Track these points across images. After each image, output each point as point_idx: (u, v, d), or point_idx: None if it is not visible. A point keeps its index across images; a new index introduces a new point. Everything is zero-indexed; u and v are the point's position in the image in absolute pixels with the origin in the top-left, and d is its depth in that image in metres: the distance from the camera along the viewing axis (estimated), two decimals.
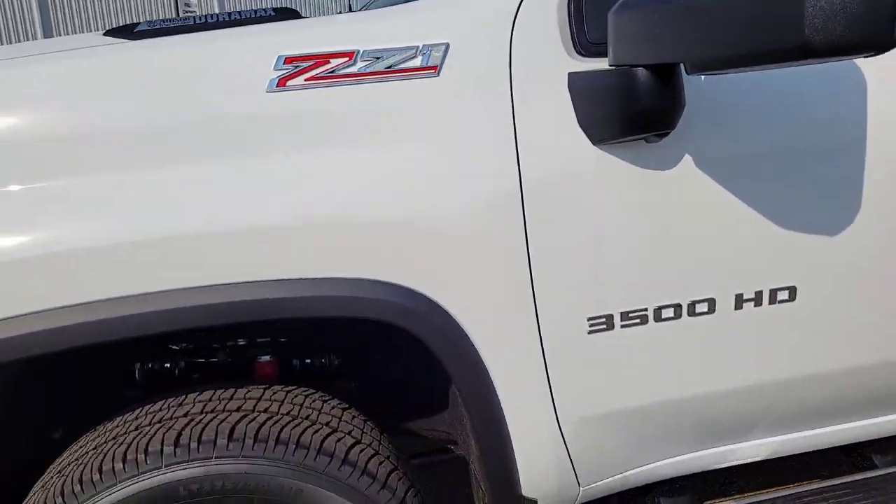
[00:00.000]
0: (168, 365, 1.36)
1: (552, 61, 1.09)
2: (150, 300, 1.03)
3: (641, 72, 1.00)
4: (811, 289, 1.23)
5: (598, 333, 1.17)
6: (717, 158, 1.14)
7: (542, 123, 1.09)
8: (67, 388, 1.35)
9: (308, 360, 1.46)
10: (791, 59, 0.83)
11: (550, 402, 1.20)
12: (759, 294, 1.21)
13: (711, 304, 1.20)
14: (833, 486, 1.48)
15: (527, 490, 1.28)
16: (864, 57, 0.83)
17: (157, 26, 1.30)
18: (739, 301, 1.21)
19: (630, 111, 1.03)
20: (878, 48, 0.80)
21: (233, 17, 1.31)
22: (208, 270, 1.04)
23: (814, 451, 1.50)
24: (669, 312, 1.18)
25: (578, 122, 1.08)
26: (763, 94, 1.16)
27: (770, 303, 1.22)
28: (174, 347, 1.39)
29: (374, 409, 1.34)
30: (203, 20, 1.31)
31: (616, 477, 1.35)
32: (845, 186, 1.19)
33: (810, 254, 1.21)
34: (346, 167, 1.05)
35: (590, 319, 1.16)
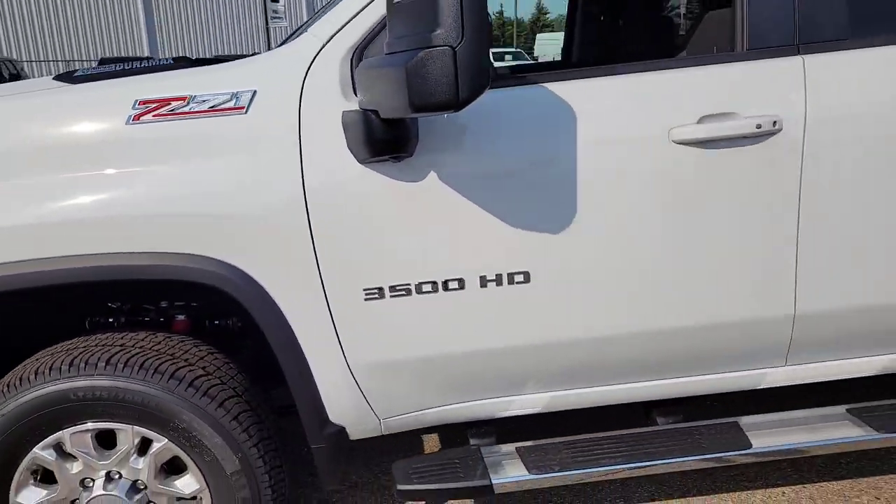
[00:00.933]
0: (111, 320, 1.87)
1: (331, 102, 1.52)
2: (59, 261, 1.52)
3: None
4: (542, 273, 1.60)
5: (373, 301, 1.59)
6: (458, 171, 1.53)
7: (321, 147, 1.52)
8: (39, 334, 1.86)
9: (216, 322, 1.95)
10: (414, 114, 1.24)
11: (341, 352, 1.62)
12: (499, 276, 1.59)
13: (461, 282, 1.59)
14: (602, 437, 1.84)
15: (334, 418, 1.71)
16: (453, 112, 1.23)
17: (91, 72, 1.81)
18: (484, 281, 1.60)
19: (372, 140, 1.45)
20: (454, 107, 1.20)
21: (143, 66, 1.79)
22: (94, 244, 1.52)
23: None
24: (428, 287, 1.59)
25: (347, 146, 1.50)
26: (494, 121, 1.55)
27: (509, 283, 1.60)
28: (112, 306, 1.90)
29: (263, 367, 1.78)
30: (122, 67, 1.81)
31: (411, 414, 1.76)
32: (562, 189, 1.56)
33: (540, 246, 1.58)
34: (181, 175, 1.51)
35: (365, 290, 1.58)
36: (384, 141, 1.44)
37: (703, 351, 1.75)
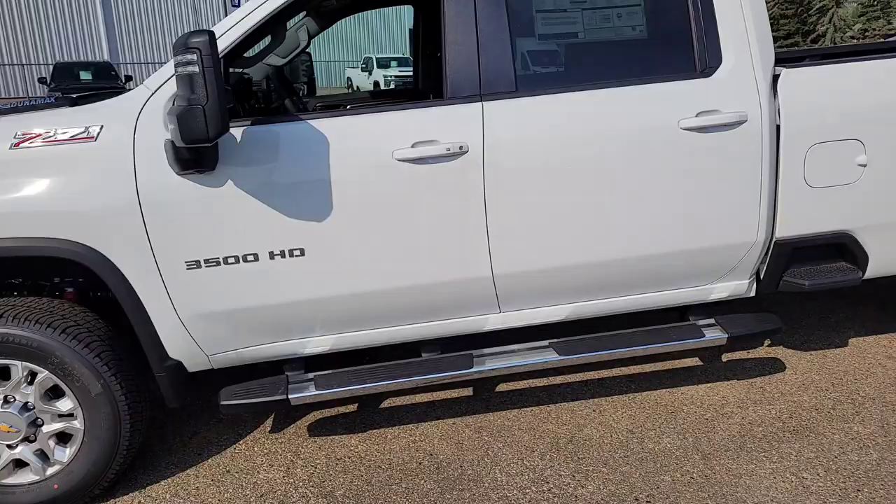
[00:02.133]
0: (15, 292, 2.51)
1: (157, 133, 2.21)
2: None
3: None
4: (314, 249, 2.33)
5: (193, 270, 2.29)
6: (248, 180, 2.25)
7: (150, 164, 2.21)
8: None
9: (98, 293, 2.61)
10: (186, 145, 1.97)
11: (172, 307, 2.32)
12: (282, 251, 2.32)
13: (256, 256, 2.31)
14: (376, 366, 2.59)
15: (172, 354, 2.41)
16: (208, 144, 1.96)
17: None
18: (272, 255, 2.32)
19: (179, 160, 2.15)
20: (207, 141, 1.93)
21: (35, 104, 2.44)
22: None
23: None
24: (232, 260, 2.30)
25: (167, 162, 2.20)
26: (271, 145, 2.27)
27: (290, 256, 2.33)
28: (13, 282, 2.54)
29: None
30: (17, 105, 2.46)
31: (232, 352, 2.48)
32: (322, 192, 2.29)
33: (311, 230, 2.31)
34: (51, 185, 2.18)
35: (186, 262, 2.28)
36: (188, 160, 2.15)
37: (436, 302, 2.51)
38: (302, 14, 3.50)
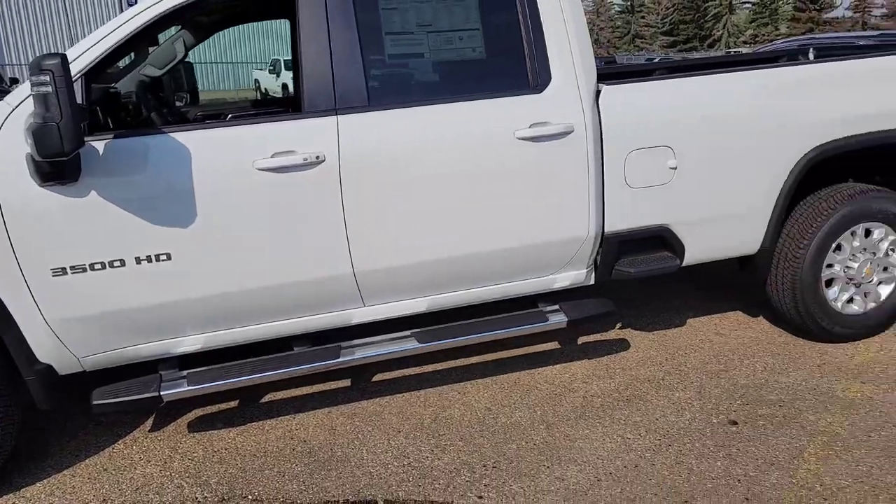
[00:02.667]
0: None
1: (18, 147, 2.30)
2: None
3: None
4: (180, 253, 2.49)
5: (59, 277, 2.39)
6: (109, 190, 2.38)
7: (12, 175, 2.30)
8: None
9: None
10: (42, 160, 2.09)
11: (39, 312, 2.41)
12: (149, 256, 2.46)
13: (122, 261, 2.44)
14: (248, 361, 2.76)
15: (41, 358, 2.50)
16: (65, 158, 2.11)
17: None
18: (139, 260, 2.46)
19: (39, 172, 2.25)
20: (64, 155, 2.07)
21: None
22: None
23: None
24: (98, 266, 2.42)
25: (29, 174, 2.30)
26: (130, 158, 2.41)
27: (157, 261, 2.47)
28: None
29: None
30: None
31: (103, 354, 2.59)
32: (182, 200, 2.45)
33: (175, 236, 2.46)
34: None
35: (52, 269, 2.38)
36: (48, 173, 2.25)
37: (302, 299, 2.72)
38: (178, 27, 3.61)
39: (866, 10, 45.49)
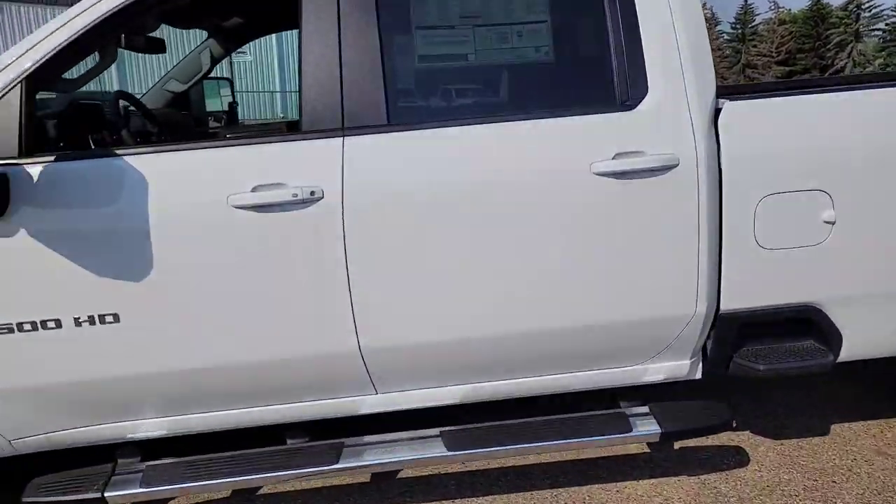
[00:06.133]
0: None
1: None
2: None
3: None
4: (130, 314, 1.89)
5: None
6: (44, 228, 1.83)
7: None
8: None
9: None
10: None
11: None
12: (91, 317, 1.88)
13: (58, 322, 1.88)
14: (219, 456, 2.12)
15: None
16: None
17: None
18: (78, 321, 1.88)
19: None
20: None
21: None
22: None
23: None
24: (28, 326, 1.87)
25: None
26: (72, 188, 1.85)
27: (101, 323, 1.89)
28: None
29: None
30: None
31: (39, 437, 2.03)
32: (135, 244, 1.85)
33: (125, 291, 1.87)
34: None
35: None
36: None
37: (293, 381, 2.04)
38: (205, 35, 3.13)
39: None
